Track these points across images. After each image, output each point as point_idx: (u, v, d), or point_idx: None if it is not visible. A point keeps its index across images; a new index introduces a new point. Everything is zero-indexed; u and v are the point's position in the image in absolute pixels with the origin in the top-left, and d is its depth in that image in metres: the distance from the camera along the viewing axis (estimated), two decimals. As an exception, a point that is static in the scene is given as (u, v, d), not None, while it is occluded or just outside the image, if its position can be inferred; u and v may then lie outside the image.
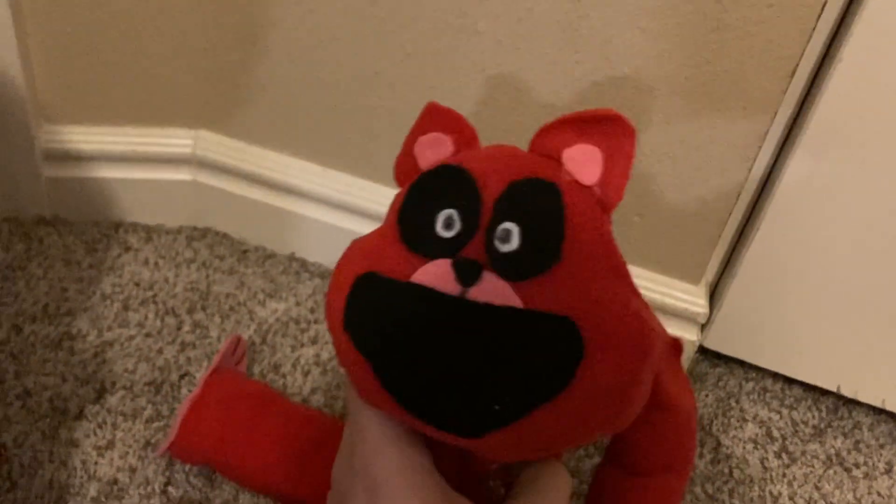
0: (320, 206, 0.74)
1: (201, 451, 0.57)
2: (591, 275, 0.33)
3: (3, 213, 0.74)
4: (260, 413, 0.58)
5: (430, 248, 0.34)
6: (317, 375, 0.66)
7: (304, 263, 0.76)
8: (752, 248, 0.65)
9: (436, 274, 0.33)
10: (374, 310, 0.34)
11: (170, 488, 0.58)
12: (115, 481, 0.57)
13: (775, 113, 0.57)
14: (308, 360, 0.67)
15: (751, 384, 0.73)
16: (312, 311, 0.71)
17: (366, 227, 0.73)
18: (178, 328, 0.67)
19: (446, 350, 0.32)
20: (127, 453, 0.59)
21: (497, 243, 0.33)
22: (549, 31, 0.58)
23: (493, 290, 0.32)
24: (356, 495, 0.35)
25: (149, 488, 0.57)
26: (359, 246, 0.38)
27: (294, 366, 0.67)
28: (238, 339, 0.63)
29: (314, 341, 0.69)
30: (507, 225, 0.33)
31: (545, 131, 0.36)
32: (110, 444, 0.59)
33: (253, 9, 0.65)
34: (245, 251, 0.76)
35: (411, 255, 0.34)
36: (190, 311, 0.69)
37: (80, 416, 0.60)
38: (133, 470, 0.58)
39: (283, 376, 0.66)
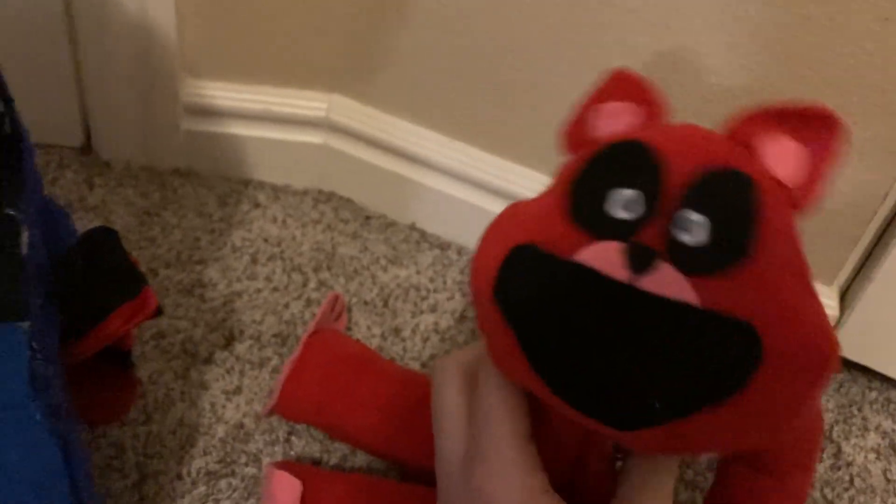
0: (445, 178, 0.74)
1: (303, 413, 0.57)
2: (778, 278, 0.31)
3: (141, 161, 0.77)
4: (360, 374, 0.58)
5: (600, 227, 0.32)
6: (435, 342, 0.67)
7: (423, 234, 0.76)
8: (894, 253, 0.63)
9: (603, 256, 0.32)
10: (531, 285, 0.33)
11: (293, 437, 0.59)
12: (242, 426, 0.59)
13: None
14: (427, 328, 0.68)
15: (874, 393, 0.70)
16: (432, 280, 0.72)
17: (488, 203, 0.74)
18: (304, 285, 0.69)
19: (609, 339, 0.31)
20: (252, 400, 0.61)
21: (678, 232, 0.31)
22: (702, 10, 0.57)
23: (667, 281, 0.31)
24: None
25: (273, 436, 0.59)
26: (517, 213, 0.37)
27: (413, 331, 0.67)
28: (336, 297, 0.64)
29: (433, 310, 0.69)
30: (694, 215, 0.31)
31: (746, 119, 0.35)
32: (237, 390, 0.61)
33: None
34: (367, 217, 0.77)
35: (578, 231, 0.33)
36: (315, 270, 0.70)
37: (209, 360, 0.62)
38: (258, 417, 0.60)
39: (403, 340, 0.67)
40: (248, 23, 0.70)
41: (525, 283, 0.33)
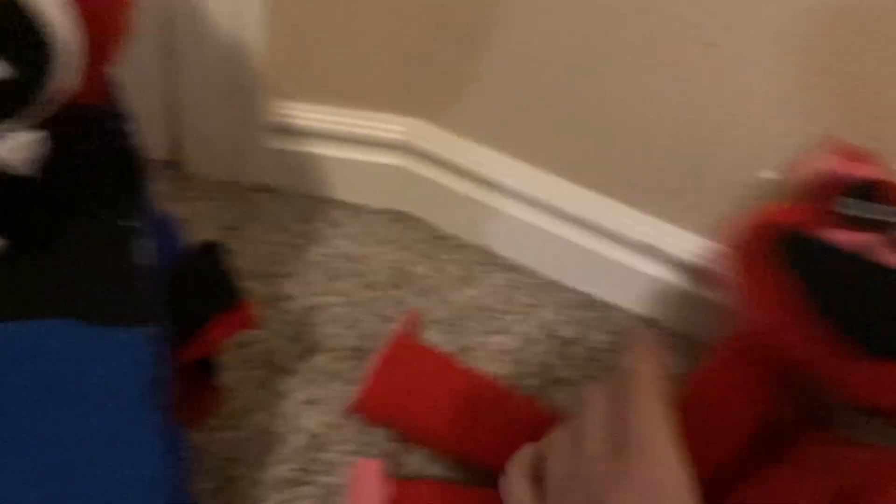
0: (517, 203, 0.76)
1: (385, 410, 0.61)
2: None
3: (227, 176, 0.80)
4: (439, 375, 0.62)
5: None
6: (504, 363, 0.68)
7: (494, 256, 0.78)
8: None
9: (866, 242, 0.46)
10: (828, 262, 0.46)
11: (368, 448, 0.61)
12: (319, 435, 0.61)
13: None
14: (496, 348, 0.69)
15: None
16: (502, 301, 0.74)
17: (559, 227, 0.75)
18: (380, 301, 0.71)
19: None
20: (330, 411, 0.63)
21: None
22: (793, 48, 0.58)
23: None
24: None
25: (349, 446, 0.61)
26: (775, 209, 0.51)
27: (483, 351, 0.69)
28: (414, 315, 0.67)
29: (503, 331, 0.71)
30: None
31: None
32: (315, 400, 0.63)
33: (481, 5, 0.67)
34: (440, 238, 0.79)
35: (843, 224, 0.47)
36: (391, 287, 0.72)
37: (288, 371, 0.65)
38: (336, 427, 0.62)
39: (473, 359, 0.68)
40: (333, 48, 0.73)
41: (822, 260, 0.45)
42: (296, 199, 0.79)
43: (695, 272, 0.70)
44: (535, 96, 0.70)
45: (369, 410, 0.61)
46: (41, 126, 0.31)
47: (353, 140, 0.78)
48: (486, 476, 0.57)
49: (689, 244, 0.70)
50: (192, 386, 0.56)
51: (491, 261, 0.77)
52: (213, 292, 0.44)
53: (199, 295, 0.41)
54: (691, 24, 0.60)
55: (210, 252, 0.44)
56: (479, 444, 0.59)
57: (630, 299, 0.75)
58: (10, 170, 0.30)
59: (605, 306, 0.76)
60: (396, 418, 0.61)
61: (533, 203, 0.75)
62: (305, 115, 0.77)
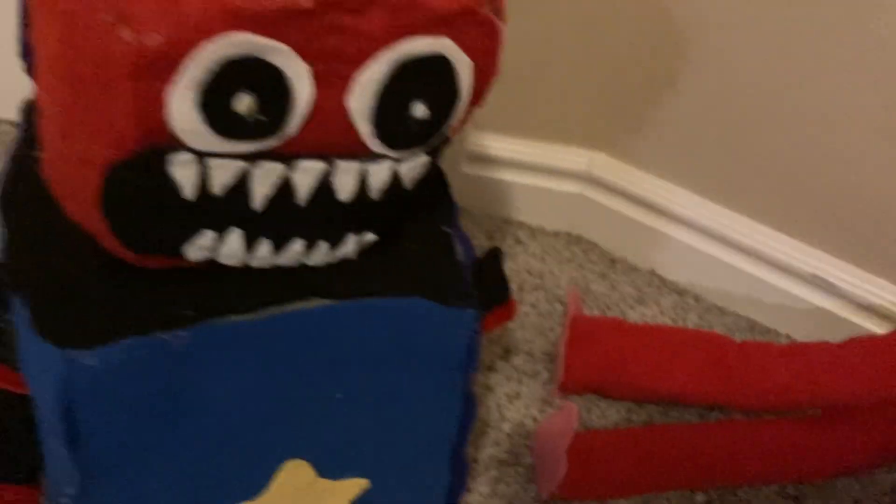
0: (688, 230, 0.83)
1: (589, 379, 0.70)
2: None
3: (423, 196, 0.90)
4: (640, 331, 0.71)
5: None
6: (680, 376, 0.76)
7: (663, 280, 0.86)
8: None
9: None
10: None
11: (565, 440, 0.69)
12: (523, 424, 0.70)
13: None
14: (672, 362, 0.77)
15: None
16: (674, 321, 0.81)
17: (727, 255, 0.83)
18: (565, 314, 0.79)
19: None
20: (529, 405, 0.71)
21: None
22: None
23: None
24: None
25: (549, 436, 0.69)
26: None
27: (660, 364, 0.76)
28: (577, 292, 0.77)
29: (676, 347, 0.78)
30: None
31: None
32: (517, 395, 0.72)
33: (670, 47, 0.76)
34: (612, 260, 0.87)
35: None
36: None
37: (492, 368, 0.73)
38: (535, 419, 0.70)
39: (652, 371, 0.76)
40: (525, 84, 0.83)
41: None
42: (483, 220, 0.89)
43: (862, 307, 0.77)
44: (718, 136, 0.78)
45: (573, 385, 0.70)
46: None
47: (538, 169, 0.87)
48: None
49: (860, 280, 0.76)
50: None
51: (660, 284, 0.85)
52: (495, 288, 0.53)
53: (485, 289, 0.50)
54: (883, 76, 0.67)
55: (494, 257, 0.53)
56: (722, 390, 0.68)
57: (792, 326, 0.82)
58: (402, 184, 0.40)
59: (767, 331, 0.82)
60: (606, 381, 0.69)
61: (704, 232, 0.83)
62: (499, 144, 0.87)
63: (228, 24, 0.32)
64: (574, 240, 0.89)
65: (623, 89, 0.80)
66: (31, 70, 0.52)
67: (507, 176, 0.88)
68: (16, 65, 0.47)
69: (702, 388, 0.68)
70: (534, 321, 0.78)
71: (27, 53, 0.51)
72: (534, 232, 0.89)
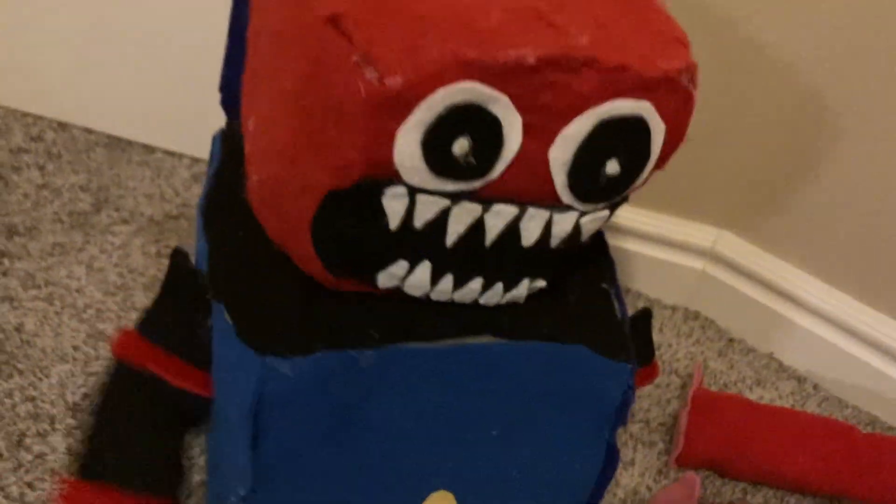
0: (812, 317, 0.83)
1: (708, 454, 0.69)
2: None
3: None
4: (763, 411, 0.71)
5: None
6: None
7: (781, 364, 0.85)
8: None
9: None
10: None
11: None
12: (636, 492, 0.70)
13: None
14: (789, 447, 0.76)
15: None
16: (793, 406, 0.80)
17: (852, 346, 0.82)
18: (682, 387, 0.79)
19: None
20: (644, 473, 0.71)
21: None
22: None
23: None
24: None
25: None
26: None
27: (778, 448, 0.75)
28: (701, 366, 0.77)
29: (794, 433, 0.77)
30: None
31: None
32: (632, 462, 0.72)
33: (810, 133, 0.77)
34: (731, 339, 0.87)
35: None
36: (690, 376, 0.81)
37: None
38: (649, 488, 0.70)
39: (769, 454, 0.75)
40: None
41: None
42: (602, 286, 0.90)
43: None
44: (851, 225, 0.78)
45: (689, 460, 0.70)
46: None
47: (662, 241, 0.88)
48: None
49: None
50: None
51: (779, 368, 0.84)
52: (643, 348, 0.55)
53: (636, 348, 0.51)
54: None
55: (646, 317, 0.55)
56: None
57: (916, 425, 0.80)
58: (580, 235, 0.42)
59: (890, 429, 0.80)
60: (721, 460, 0.69)
61: (829, 320, 0.82)
62: (624, 213, 0.89)
63: (461, 74, 0.35)
64: (692, 315, 0.89)
65: (758, 170, 0.81)
66: (226, 102, 0.57)
67: (630, 245, 0.90)
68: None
69: (826, 475, 0.67)
70: (650, 391, 0.79)
71: (226, 87, 0.56)
72: (651, 303, 0.90)
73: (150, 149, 0.94)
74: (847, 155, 0.76)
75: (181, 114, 0.92)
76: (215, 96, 0.66)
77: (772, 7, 0.72)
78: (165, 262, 0.79)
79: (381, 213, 0.38)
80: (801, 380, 0.84)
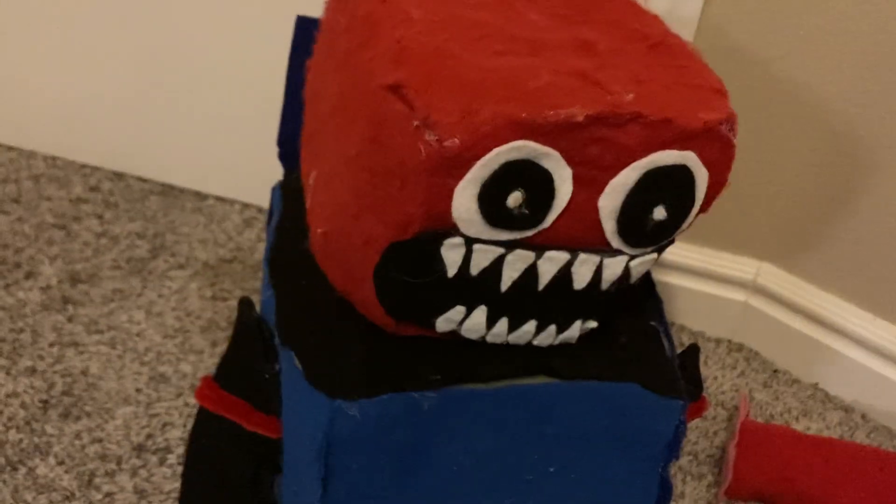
0: (857, 347, 0.83)
1: (757, 486, 0.69)
2: None
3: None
4: (812, 442, 0.71)
5: None
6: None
7: (827, 395, 0.85)
8: None
9: None
10: None
11: (731, 545, 0.69)
12: (687, 525, 0.70)
13: None
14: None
15: None
16: (840, 436, 0.80)
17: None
18: (729, 419, 0.80)
19: None
20: (693, 502, 0.72)
21: None
22: None
23: None
24: None
25: (714, 540, 0.69)
26: None
27: (827, 479, 0.76)
28: (747, 398, 0.77)
29: (843, 463, 0.77)
30: None
31: None
32: (682, 495, 0.73)
33: (851, 166, 0.78)
34: (775, 371, 0.87)
35: None
36: (736, 408, 0.81)
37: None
38: (703, 517, 0.71)
39: (819, 485, 0.75)
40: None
41: None
42: (645, 320, 0.92)
43: None
44: (888, 254, 0.79)
45: (739, 493, 0.70)
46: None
47: (704, 274, 0.90)
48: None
49: None
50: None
51: (825, 398, 0.85)
52: (691, 384, 0.56)
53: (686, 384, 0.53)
54: None
55: (694, 353, 0.56)
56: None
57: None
58: (629, 278, 0.44)
59: (940, 457, 0.80)
60: (771, 494, 0.69)
61: (875, 350, 0.82)
62: (668, 249, 0.90)
63: (514, 133, 0.37)
64: (735, 347, 0.90)
65: (797, 203, 0.83)
66: (284, 155, 0.61)
67: (673, 279, 0.91)
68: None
69: None
70: (697, 423, 0.79)
71: (284, 143, 0.59)
72: (695, 336, 0.91)
73: (201, 195, 0.98)
74: (882, 187, 0.77)
75: (231, 161, 0.96)
76: (263, 144, 0.69)
77: (802, 49, 0.74)
78: (221, 304, 0.83)
79: (439, 263, 0.41)
80: (848, 410, 0.84)
